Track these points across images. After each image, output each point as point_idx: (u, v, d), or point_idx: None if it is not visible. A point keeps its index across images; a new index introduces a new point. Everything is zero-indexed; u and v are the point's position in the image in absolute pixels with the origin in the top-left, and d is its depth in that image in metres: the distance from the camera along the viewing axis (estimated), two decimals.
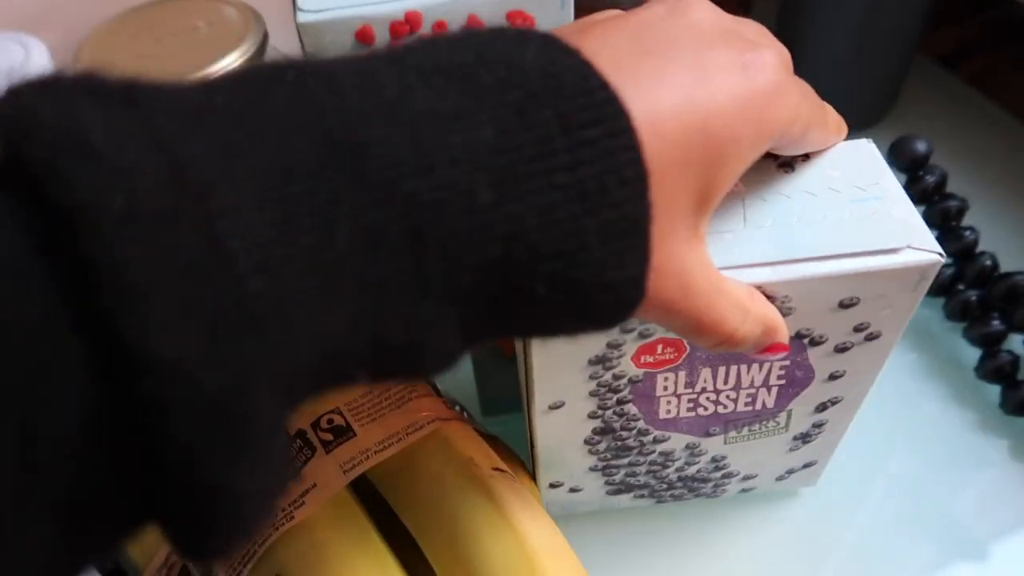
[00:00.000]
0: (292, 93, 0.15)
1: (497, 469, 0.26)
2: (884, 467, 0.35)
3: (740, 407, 0.28)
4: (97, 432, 0.13)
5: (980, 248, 0.38)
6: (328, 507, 0.26)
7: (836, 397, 0.28)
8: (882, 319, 0.24)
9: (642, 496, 0.32)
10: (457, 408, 0.29)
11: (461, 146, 0.15)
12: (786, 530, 0.34)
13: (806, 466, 0.31)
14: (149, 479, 0.13)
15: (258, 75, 0.15)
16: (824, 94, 0.28)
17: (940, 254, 0.22)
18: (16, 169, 0.12)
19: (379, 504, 0.27)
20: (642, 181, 0.16)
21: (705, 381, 0.26)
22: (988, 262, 0.37)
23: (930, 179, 0.38)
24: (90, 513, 0.13)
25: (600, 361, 0.25)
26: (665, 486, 0.32)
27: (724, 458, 0.30)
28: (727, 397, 0.27)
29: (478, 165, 0.15)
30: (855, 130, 0.26)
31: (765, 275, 0.22)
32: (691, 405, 0.27)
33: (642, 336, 0.24)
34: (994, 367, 0.35)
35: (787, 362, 0.26)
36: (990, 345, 0.36)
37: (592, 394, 0.26)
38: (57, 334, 0.12)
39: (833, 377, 0.26)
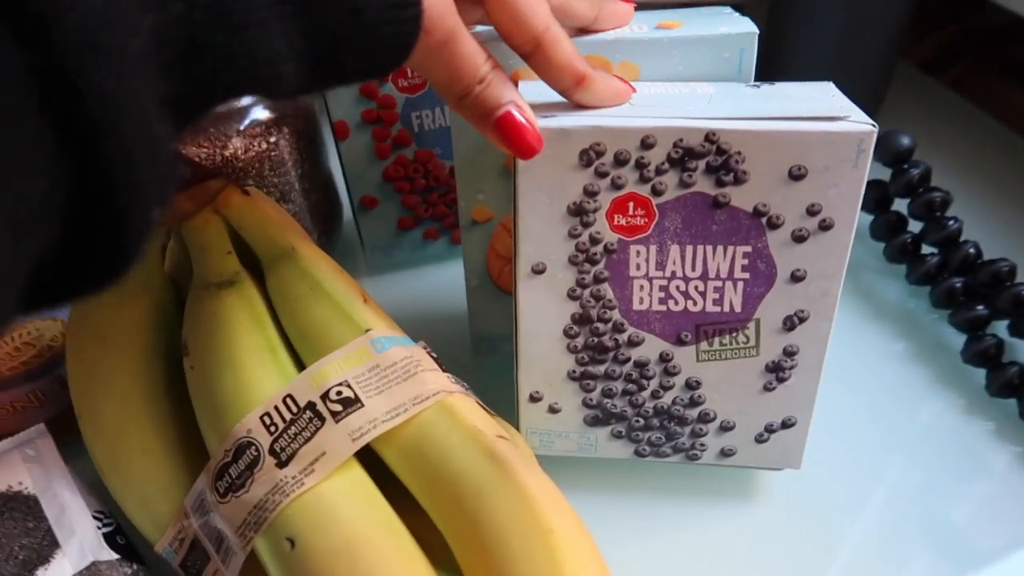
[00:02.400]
0: None
1: (501, 437, 0.27)
2: (869, 457, 0.36)
3: (709, 305, 0.30)
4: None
5: (964, 238, 0.39)
6: (337, 474, 0.27)
7: (802, 311, 0.29)
8: (831, 202, 0.27)
9: (620, 435, 0.33)
10: (461, 386, 0.30)
11: None
12: (764, 527, 0.35)
13: (786, 426, 0.32)
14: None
15: None
16: None
17: (873, 125, 0.26)
18: None
19: (385, 477, 0.28)
20: None
21: (674, 263, 0.29)
22: (972, 250, 0.38)
23: (914, 172, 0.40)
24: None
25: (578, 212, 0.28)
26: (641, 421, 0.33)
27: (699, 385, 0.31)
28: (695, 289, 0.29)
29: None
30: None
31: (718, 124, 0.26)
32: (662, 295, 0.30)
33: (615, 186, 0.27)
34: (979, 350, 0.37)
35: (748, 248, 0.28)
36: (975, 330, 0.37)
37: (571, 261, 0.29)
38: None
39: (795, 278, 0.29)
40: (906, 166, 0.40)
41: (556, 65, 0.26)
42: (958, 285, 0.38)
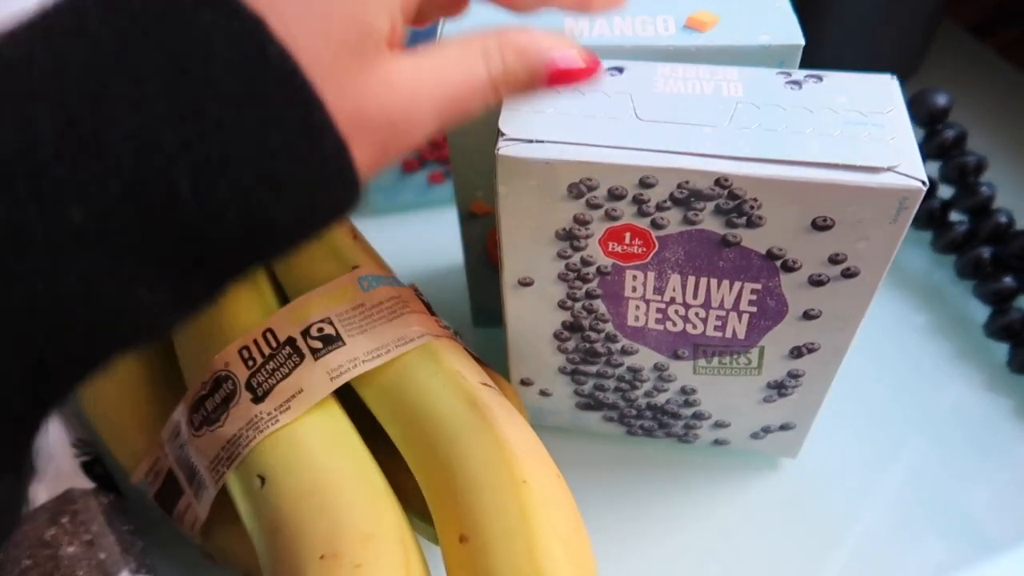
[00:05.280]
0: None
1: (485, 384, 0.26)
2: (883, 431, 0.35)
3: (710, 331, 0.27)
4: None
5: (996, 205, 0.37)
6: (313, 413, 0.26)
7: (812, 343, 0.26)
8: (860, 253, 0.23)
9: (611, 420, 0.32)
10: (451, 331, 0.29)
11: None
12: (774, 495, 0.33)
13: (784, 428, 0.30)
14: None
15: None
16: (848, 54, 0.25)
17: (923, 182, 0.21)
18: None
19: (364, 416, 0.27)
20: (254, 32, 0.15)
21: (674, 290, 0.26)
22: (1004, 219, 0.36)
23: (949, 133, 0.37)
24: None
25: (568, 237, 0.25)
26: (634, 412, 0.31)
27: (694, 392, 0.29)
28: (696, 315, 0.26)
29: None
30: None
31: (731, 168, 0.22)
32: (660, 316, 0.27)
33: (609, 217, 0.24)
34: (1003, 324, 0.35)
35: (759, 286, 0.25)
36: (1001, 302, 0.35)
37: (561, 278, 0.26)
38: None
39: (808, 316, 0.25)
40: (940, 127, 0.38)
41: None
42: (986, 255, 0.36)
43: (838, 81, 0.24)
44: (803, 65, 0.26)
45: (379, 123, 0.17)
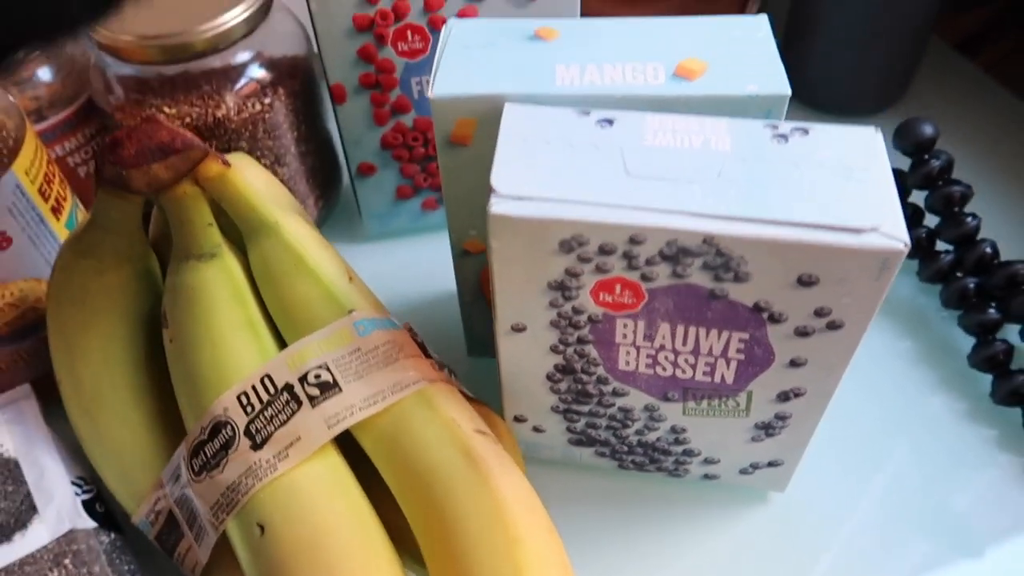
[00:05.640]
0: None
1: (479, 431, 0.26)
2: (868, 457, 0.35)
3: (699, 376, 0.27)
4: None
5: (982, 236, 0.38)
6: (311, 460, 0.26)
7: (798, 388, 0.27)
8: (844, 307, 0.24)
9: (603, 455, 0.32)
10: (446, 371, 0.30)
11: None
12: (763, 524, 0.34)
13: (772, 464, 0.31)
14: None
15: None
16: (835, 76, 0.25)
17: (905, 243, 0.22)
18: None
19: (362, 461, 0.27)
20: None
21: (664, 338, 0.26)
22: (988, 249, 0.36)
23: (935, 163, 0.38)
24: None
25: (559, 288, 0.26)
26: (626, 448, 0.32)
27: (684, 431, 0.30)
28: (685, 361, 0.27)
29: None
30: (866, 115, 0.26)
31: (719, 227, 0.23)
32: (650, 361, 0.27)
33: (600, 270, 0.25)
34: (987, 355, 0.35)
35: (746, 335, 0.26)
36: (985, 333, 0.36)
37: (553, 324, 0.27)
38: None
39: (795, 364, 0.26)
40: (927, 156, 0.38)
41: None
42: (971, 286, 0.37)
43: (823, 134, 0.25)
44: (791, 82, 0.27)
45: None
